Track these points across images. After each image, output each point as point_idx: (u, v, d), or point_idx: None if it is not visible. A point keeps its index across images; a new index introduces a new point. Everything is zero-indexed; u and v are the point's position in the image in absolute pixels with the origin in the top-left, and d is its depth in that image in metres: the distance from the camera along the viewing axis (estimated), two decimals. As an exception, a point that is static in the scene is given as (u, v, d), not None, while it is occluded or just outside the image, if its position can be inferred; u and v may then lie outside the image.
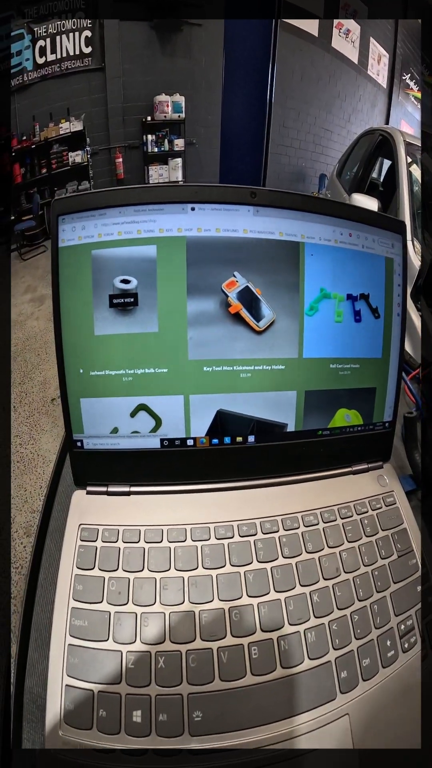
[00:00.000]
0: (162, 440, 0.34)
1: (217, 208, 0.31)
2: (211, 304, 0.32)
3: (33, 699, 0.28)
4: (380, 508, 0.37)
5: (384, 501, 0.38)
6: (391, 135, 2.24)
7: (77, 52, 2.79)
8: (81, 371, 0.33)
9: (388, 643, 0.30)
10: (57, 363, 0.33)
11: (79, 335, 0.32)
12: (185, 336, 0.32)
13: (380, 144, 2.29)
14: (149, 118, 3.12)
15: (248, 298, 0.32)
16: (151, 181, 3.34)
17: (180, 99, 3.12)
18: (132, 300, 0.32)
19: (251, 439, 0.34)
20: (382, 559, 0.34)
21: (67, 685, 0.26)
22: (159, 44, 3.03)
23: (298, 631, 0.29)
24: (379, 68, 5.15)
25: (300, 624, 0.29)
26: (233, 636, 0.27)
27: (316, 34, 3.99)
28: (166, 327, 0.32)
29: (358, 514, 0.36)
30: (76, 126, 2.84)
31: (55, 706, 0.26)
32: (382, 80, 5.17)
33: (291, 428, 0.35)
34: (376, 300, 0.38)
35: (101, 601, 0.29)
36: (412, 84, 5.96)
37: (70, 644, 0.27)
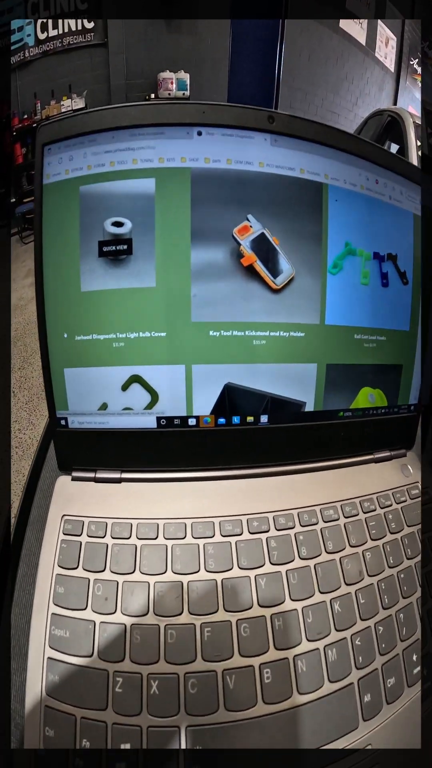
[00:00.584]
0: (159, 419, 0.28)
1: (229, 134, 0.25)
2: (219, 253, 0.26)
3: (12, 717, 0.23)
4: (405, 501, 0.32)
5: (409, 493, 0.33)
6: (400, 116, 2.13)
7: (79, 27, 2.65)
8: (65, 336, 0.27)
9: (414, 657, 0.25)
10: (38, 326, 0.27)
11: (64, 292, 0.26)
12: (188, 293, 0.26)
13: (389, 126, 2.19)
14: (153, 96, 2.98)
15: (264, 249, 0.26)
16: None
17: (185, 76, 2.97)
18: (125, 247, 0.26)
19: (264, 419, 0.28)
20: (408, 559, 0.29)
21: (46, 707, 0.21)
22: (164, 23, 2.89)
23: (318, 648, 0.23)
24: (386, 51, 4.96)
25: (320, 639, 0.24)
26: (241, 656, 0.22)
27: (324, 14, 3.85)
28: (165, 281, 0.26)
29: (381, 508, 0.31)
30: (79, 103, 2.71)
31: (34, 734, 0.21)
32: (390, 64, 4.99)
33: (309, 408, 0.29)
34: (404, 263, 0.32)
35: (85, 608, 0.23)
36: (419, 69, 5.77)
37: (49, 657, 0.22)
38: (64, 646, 0.22)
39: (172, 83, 2.96)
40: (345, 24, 4.10)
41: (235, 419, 0.28)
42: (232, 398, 0.28)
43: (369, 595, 0.26)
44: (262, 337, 0.27)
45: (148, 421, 0.28)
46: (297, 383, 0.29)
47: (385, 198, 0.31)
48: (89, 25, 2.70)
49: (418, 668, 0.25)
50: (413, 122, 2.00)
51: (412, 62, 5.52)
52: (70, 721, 0.21)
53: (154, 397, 0.28)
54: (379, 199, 0.30)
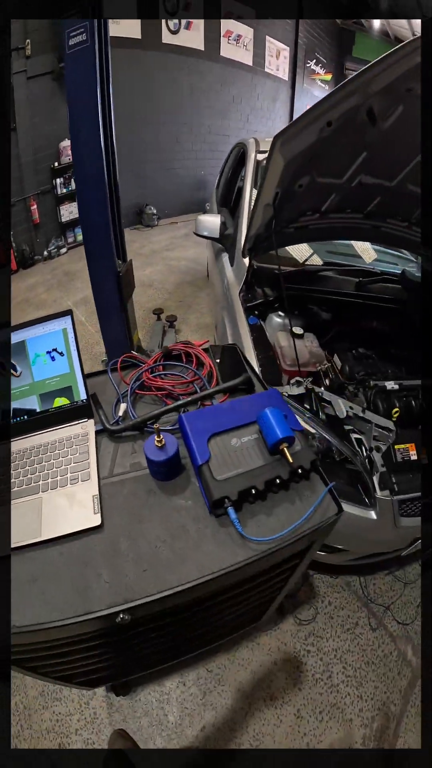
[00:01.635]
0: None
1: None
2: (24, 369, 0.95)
3: None
4: (77, 438, 1.00)
5: (80, 436, 1.00)
6: (246, 146, 2.76)
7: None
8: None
9: (59, 479, 0.92)
10: None
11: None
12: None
13: (243, 154, 2.76)
14: (56, 164, 3.70)
15: (14, 368, 0.96)
16: (62, 219, 4.00)
17: (79, 141, 3.66)
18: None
19: (26, 417, 0.98)
20: (67, 456, 0.96)
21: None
22: (60, 93, 3.55)
23: (37, 483, 0.91)
24: (278, 63, 5.50)
25: (36, 483, 0.92)
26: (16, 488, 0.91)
27: (203, 48, 4.42)
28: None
29: (59, 442, 0.98)
30: (-7, 187, 3.42)
31: None
32: (283, 74, 5.58)
33: (38, 410, 0.99)
34: (60, 348, 1.00)
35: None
36: (318, 69, 6.38)
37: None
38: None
39: (70, 149, 3.66)
40: (227, 51, 4.63)
41: (24, 417, 0.98)
42: (20, 413, 0.97)
43: (45, 468, 0.94)
44: (20, 391, 0.97)
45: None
46: (32, 403, 0.98)
47: (46, 332, 0.98)
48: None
49: (65, 485, 0.92)
50: (255, 149, 2.57)
51: (308, 64, 6.10)
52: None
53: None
54: (43, 335, 0.99)
